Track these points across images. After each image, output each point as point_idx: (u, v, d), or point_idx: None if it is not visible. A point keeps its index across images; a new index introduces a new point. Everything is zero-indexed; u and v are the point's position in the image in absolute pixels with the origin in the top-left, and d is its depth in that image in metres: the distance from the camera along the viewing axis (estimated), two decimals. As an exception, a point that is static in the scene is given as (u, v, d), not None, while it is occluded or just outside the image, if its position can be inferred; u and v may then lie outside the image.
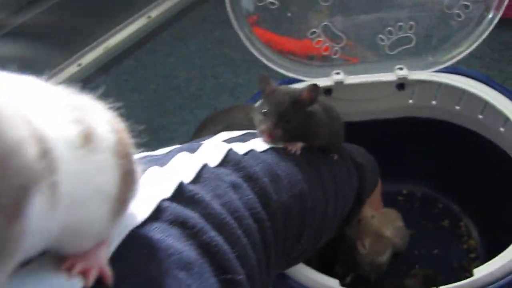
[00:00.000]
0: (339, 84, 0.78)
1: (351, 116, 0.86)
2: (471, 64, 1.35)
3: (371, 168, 0.71)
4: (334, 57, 0.77)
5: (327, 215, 0.55)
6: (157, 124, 1.27)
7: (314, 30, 0.75)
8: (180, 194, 0.36)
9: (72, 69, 1.38)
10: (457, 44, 0.78)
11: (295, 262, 0.57)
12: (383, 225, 0.78)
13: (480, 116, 0.85)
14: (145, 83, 1.38)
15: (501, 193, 0.88)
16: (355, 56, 0.78)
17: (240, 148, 0.47)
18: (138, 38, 1.47)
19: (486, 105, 0.82)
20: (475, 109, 0.85)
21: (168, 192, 0.35)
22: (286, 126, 0.53)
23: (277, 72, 0.79)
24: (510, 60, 1.36)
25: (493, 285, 0.58)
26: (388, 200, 0.89)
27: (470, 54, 0.77)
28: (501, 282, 0.57)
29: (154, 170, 0.38)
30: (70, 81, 1.40)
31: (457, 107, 0.87)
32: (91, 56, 1.41)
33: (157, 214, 0.33)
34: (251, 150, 0.48)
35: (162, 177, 0.37)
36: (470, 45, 0.76)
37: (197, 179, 0.39)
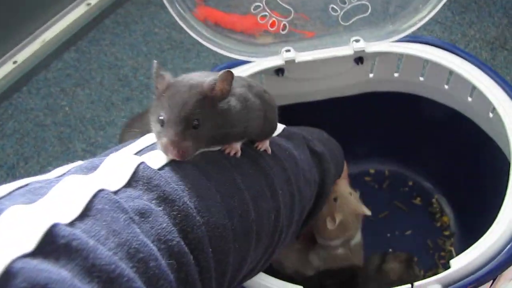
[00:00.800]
0: (291, 62, 0.70)
1: (307, 96, 0.79)
2: (433, 29, 1.30)
3: (334, 156, 0.64)
4: (283, 32, 0.69)
5: (279, 222, 0.48)
6: (104, 119, 1.17)
7: (257, 3, 0.67)
8: (50, 244, 0.26)
9: (7, 67, 1.25)
10: (417, 10, 0.71)
11: (244, 280, 0.50)
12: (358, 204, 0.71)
13: (446, 86, 0.79)
14: (89, 76, 1.28)
15: (472, 164, 0.83)
16: (306, 31, 0.70)
17: (155, 161, 0.38)
18: (78, 28, 1.36)
19: (451, 74, 0.75)
20: (440, 79, 0.78)
21: (30, 245, 0.25)
22: (195, 134, 0.40)
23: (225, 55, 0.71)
24: (472, 23, 1.31)
25: (471, 277, 0.52)
26: (355, 182, 0.83)
27: (431, 19, 0.71)
28: (480, 273, 0.51)
29: (16, 210, 0.28)
30: (6, 80, 1.27)
31: (421, 78, 0.81)
32: (27, 51, 1.29)
33: (4, 283, 0.23)
34: (171, 162, 0.39)
35: (25, 221, 0.27)
36: (431, 10, 0.69)
37: (84, 215, 0.29)
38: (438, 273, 0.82)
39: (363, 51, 0.71)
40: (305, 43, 0.71)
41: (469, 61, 0.72)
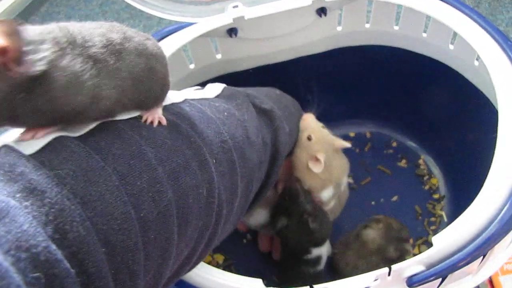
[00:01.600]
0: (240, 20, 0.61)
1: (268, 58, 0.70)
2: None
3: (289, 113, 0.56)
4: (228, -14, 0.59)
5: (214, 198, 0.40)
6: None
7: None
8: None
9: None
10: None
11: (181, 274, 0.42)
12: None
13: (424, 35, 0.70)
14: (45, 54, 1.18)
15: (458, 119, 0.75)
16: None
17: (30, 143, 0.30)
18: (28, 2, 1.25)
19: (429, 20, 0.66)
20: (417, 27, 0.69)
21: None
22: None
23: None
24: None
25: (458, 255, 0.44)
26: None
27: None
28: (465, 252, 0.44)
29: None
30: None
31: (396, 27, 0.71)
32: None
33: None
34: (54, 141, 0.31)
35: None
36: None
37: None
38: (428, 241, 0.77)
39: (322, 0, 0.61)
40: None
41: (448, 3, 0.63)
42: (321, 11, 0.65)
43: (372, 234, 0.69)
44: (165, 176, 0.35)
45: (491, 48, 0.57)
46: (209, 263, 0.77)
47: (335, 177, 0.64)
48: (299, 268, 0.65)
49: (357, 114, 0.86)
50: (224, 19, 0.60)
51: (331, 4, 0.64)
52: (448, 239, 0.44)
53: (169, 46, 0.60)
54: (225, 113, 0.45)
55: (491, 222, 0.45)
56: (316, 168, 0.60)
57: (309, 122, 0.62)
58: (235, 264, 0.77)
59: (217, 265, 0.77)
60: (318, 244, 0.64)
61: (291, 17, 0.62)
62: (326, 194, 0.65)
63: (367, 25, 0.72)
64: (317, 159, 0.61)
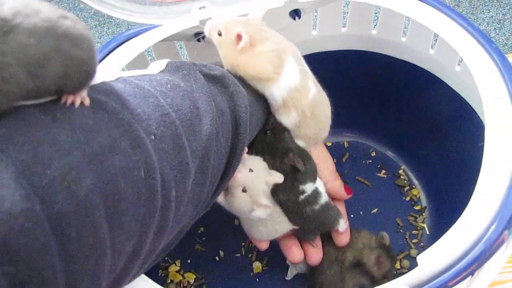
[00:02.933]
0: (208, 23, 0.56)
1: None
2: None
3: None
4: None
5: (155, 179, 0.35)
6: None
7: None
8: None
9: None
10: None
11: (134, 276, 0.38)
12: None
13: (404, 39, 0.67)
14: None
15: (439, 127, 0.72)
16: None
17: None
18: None
19: (408, 24, 0.63)
20: (395, 31, 0.66)
21: None
22: None
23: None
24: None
25: (446, 275, 0.40)
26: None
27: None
28: (454, 272, 0.40)
29: None
30: None
31: (374, 32, 0.68)
32: None
33: None
34: None
35: None
36: None
37: None
38: (411, 255, 0.74)
39: (295, 0, 0.57)
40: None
41: (428, 3, 0.60)
42: (295, 14, 0.61)
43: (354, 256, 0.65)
44: (84, 161, 0.30)
45: (474, 51, 0.54)
46: (179, 282, 0.72)
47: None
48: (304, 211, 0.59)
49: (334, 122, 0.82)
50: (189, 22, 0.56)
51: (305, 6, 0.60)
52: (434, 258, 0.41)
53: (131, 50, 0.55)
54: (168, 85, 0.41)
55: (480, 239, 0.41)
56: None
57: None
58: (207, 284, 0.72)
59: (189, 285, 0.72)
60: (306, 182, 0.58)
61: (263, 19, 0.58)
62: None
63: (344, 29, 0.68)
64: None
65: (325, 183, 0.62)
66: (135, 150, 0.34)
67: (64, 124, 0.30)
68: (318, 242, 0.65)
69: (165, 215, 0.37)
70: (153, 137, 0.36)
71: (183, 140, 0.39)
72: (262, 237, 0.61)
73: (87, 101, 0.32)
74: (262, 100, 0.54)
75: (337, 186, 0.64)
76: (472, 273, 0.42)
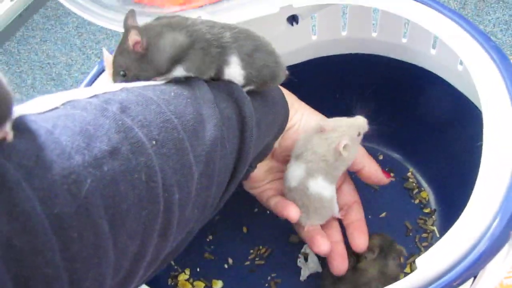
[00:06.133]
0: (205, 32, 0.57)
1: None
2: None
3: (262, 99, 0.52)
4: (192, -3, 0.56)
5: (156, 182, 0.36)
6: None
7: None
8: None
9: None
10: None
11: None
12: None
13: (404, 40, 0.66)
14: (19, 79, 1.15)
15: (445, 127, 0.71)
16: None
17: None
18: (2, 27, 1.22)
19: (408, 25, 0.63)
20: (395, 33, 0.66)
21: None
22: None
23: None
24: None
25: (443, 279, 0.39)
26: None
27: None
28: (453, 274, 0.39)
29: None
30: None
31: (374, 34, 0.68)
32: None
33: None
34: None
35: None
36: None
37: None
38: (421, 259, 0.72)
39: (291, 6, 0.57)
40: (222, 5, 0.57)
41: (425, 4, 0.59)
42: (293, 19, 0.61)
43: (369, 264, 0.64)
44: (85, 164, 0.31)
45: (473, 51, 0.53)
46: (188, 292, 0.73)
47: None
48: None
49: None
50: (187, 31, 0.56)
51: (301, 11, 0.60)
52: (433, 260, 0.40)
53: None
54: (172, 93, 0.42)
55: (481, 238, 0.40)
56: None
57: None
58: (216, 292, 0.72)
59: (198, 294, 0.72)
60: None
61: (260, 25, 0.58)
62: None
63: (344, 33, 0.68)
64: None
65: (362, 167, 0.63)
66: (136, 154, 0.35)
67: (64, 130, 0.32)
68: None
69: (169, 218, 0.37)
70: (154, 142, 0.36)
71: (185, 145, 0.39)
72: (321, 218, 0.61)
73: (10, 137, 0.30)
74: (272, 105, 0.54)
75: (375, 169, 0.64)
76: (474, 275, 0.41)
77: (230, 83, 0.48)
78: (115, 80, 0.44)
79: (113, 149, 0.33)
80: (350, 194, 0.66)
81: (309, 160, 0.58)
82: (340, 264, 0.62)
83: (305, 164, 0.59)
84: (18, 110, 0.33)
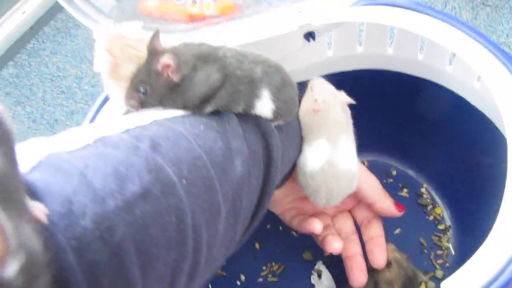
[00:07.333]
0: (222, 48, 0.57)
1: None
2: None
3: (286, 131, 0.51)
4: (207, 13, 0.56)
5: (186, 224, 0.35)
6: (47, 139, 1.04)
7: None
8: None
9: None
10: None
11: None
12: None
13: (420, 56, 0.66)
14: (30, 92, 1.14)
15: (461, 144, 0.70)
16: (237, 7, 0.57)
17: None
18: (14, 39, 1.22)
19: (424, 41, 0.62)
20: (412, 49, 0.65)
21: None
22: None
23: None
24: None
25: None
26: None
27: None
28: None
29: None
30: None
31: (390, 50, 0.67)
32: (-42, 72, 1.16)
33: None
34: None
35: None
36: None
37: None
38: (436, 276, 0.72)
39: (310, 24, 0.57)
40: (242, 23, 0.57)
41: (444, 21, 0.59)
42: (309, 36, 0.61)
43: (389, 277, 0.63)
44: (118, 209, 0.30)
45: (494, 68, 0.53)
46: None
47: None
48: None
49: (354, 142, 0.81)
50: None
51: (319, 28, 0.60)
52: (459, 285, 0.39)
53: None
54: (201, 127, 0.41)
55: (508, 264, 0.40)
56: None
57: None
58: (229, 309, 0.71)
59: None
60: None
61: (277, 42, 0.59)
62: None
63: (360, 49, 0.68)
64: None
65: (374, 203, 0.61)
66: (167, 195, 0.34)
67: (96, 173, 0.31)
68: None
69: (197, 258, 0.37)
70: (184, 181, 0.36)
71: (214, 183, 0.38)
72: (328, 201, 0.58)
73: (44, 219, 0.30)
74: (294, 138, 0.54)
75: (387, 205, 0.62)
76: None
77: (257, 115, 0.47)
78: (129, 94, 0.44)
79: (144, 191, 0.32)
80: (368, 210, 0.66)
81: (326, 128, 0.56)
82: (359, 276, 0.62)
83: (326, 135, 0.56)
84: (50, 145, 0.32)
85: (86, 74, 1.15)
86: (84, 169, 0.30)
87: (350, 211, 0.67)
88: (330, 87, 0.58)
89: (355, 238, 0.65)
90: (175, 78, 0.42)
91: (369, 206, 0.64)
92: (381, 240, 0.64)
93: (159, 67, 0.42)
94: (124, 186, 0.31)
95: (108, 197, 0.30)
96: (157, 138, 0.36)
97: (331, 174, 0.55)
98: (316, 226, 0.59)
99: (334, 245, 0.60)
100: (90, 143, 0.34)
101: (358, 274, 0.62)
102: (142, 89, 0.43)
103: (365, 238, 0.65)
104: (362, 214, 0.66)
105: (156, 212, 0.32)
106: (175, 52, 0.42)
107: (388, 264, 0.63)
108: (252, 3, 0.60)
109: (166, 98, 0.42)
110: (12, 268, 0.18)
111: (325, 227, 0.63)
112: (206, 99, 0.43)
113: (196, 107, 0.43)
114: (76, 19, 0.59)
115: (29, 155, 0.30)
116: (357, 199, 0.65)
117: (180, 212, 0.34)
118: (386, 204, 0.62)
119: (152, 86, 0.42)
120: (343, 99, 0.57)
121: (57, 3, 1.28)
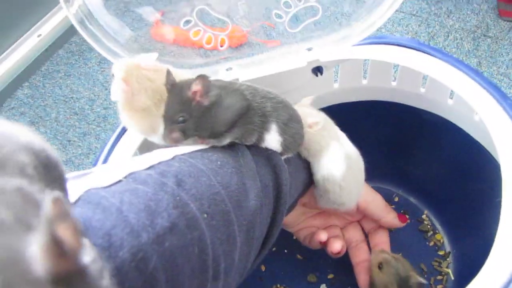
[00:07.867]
0: (235, 83, 0.60)
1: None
2: (408, 23, 1.20)
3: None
4: (222, 48, 0.59)
5: (207, 255, 0.39)
6: (60, 159, 1.07)
7: (188, 18, 0.57)
8: None
9: (-46, 110, 1.16)
10: (375, 6, 0.61)
11: None
12: None
13: (422, 90, 0.69)
14: (44, 113, 1.18)
15: (460, 173, 0.73)
16: (245, 35, 0.61)
17: None
18: (29, 61, 1.27)
19: (426, 78, 0.66)
20: (414, 83, 0.69)
21: None
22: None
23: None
24: (450, 12, 1.21)
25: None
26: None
27: (405, 12, 0.61)
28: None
29: None
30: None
31: (393, 83, 0.71)
32: (-25, 92, 1.20)
33: None
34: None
35: None
36: (391, 6, 0.60)
37: None
38: (436, 301, 0.74)
39: (318, 60, 0.61)
40: (249, 59, 0.61)
41: (443, 60, 0.63)
42: (317, 70, 0.64)
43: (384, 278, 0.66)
44: (150, 241, 0.33)
45: (489, 105, 0.56)
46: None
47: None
48: None
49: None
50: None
51: (327, 64, 0.63)
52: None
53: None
54: (218, 162, 0.44)
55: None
56: None
57: None
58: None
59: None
60: None
61: (287, 76, 0.62)
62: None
63: (364, 81, 0.71)
64: None
65: (379, 219, 0.67)
66: (190, 229, 0.37)
67: (131, 207, 0.34)
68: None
69: (215, 285, 0.40)
70: (205, 215, 0.39)
71: (231, 216, 0.42)
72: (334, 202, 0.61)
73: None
74: (301, 170, 0.57)
75: (391, 219, 0.69)
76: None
77: (269, 149, 0.51)
78: (169, 129, 0.45)
79: (172, 225, 0.36)
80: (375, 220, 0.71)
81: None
82: (366, 280, 0.68)
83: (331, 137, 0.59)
84: (86, 182, 0.36)
85: (98, 96, 1.18)
86: (120, 205, 0.34)
87: (358, 222, 0.72)
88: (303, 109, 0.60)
89: (363, 245, 0.71)
90: (206, 101, 0.45)
91: (376, 222, 0.70)
92: (386, 246, 0.70)
93: (190, 93, 0.45)
94: (154, 221, 0.34)
95: (142, 230, 0.33)
96: (181, 175, 0.40)
97: (354, 167, 0.61)
98: (321, 235, 0.64)
99: (334, 245, 0.65)
100: (122, 179, 0.37)
101: (365, 278, 0.68)
102: (180, 118, 0.45)
103: (371, 244, 0.71)
104: (369, 225, 0.72)
105: (182, 244, 0.36)
106: (202, 77, 0.45)
107: (380, 265, 0.66)
108: (261, 30, 0.63)
109: (201, 123, 0.45)
110: (87, 257, 0.21)
111: (333, 236, 0.68)
112: (232, 125, 0.46)
113: (221, 135, 0.46)
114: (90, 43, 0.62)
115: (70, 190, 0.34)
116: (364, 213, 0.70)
117: (202, 244, 0.37)
118: (390, 218, 0.69)
119: (188, 112, 0.45)
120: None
121: (71, 26, 1.33)
